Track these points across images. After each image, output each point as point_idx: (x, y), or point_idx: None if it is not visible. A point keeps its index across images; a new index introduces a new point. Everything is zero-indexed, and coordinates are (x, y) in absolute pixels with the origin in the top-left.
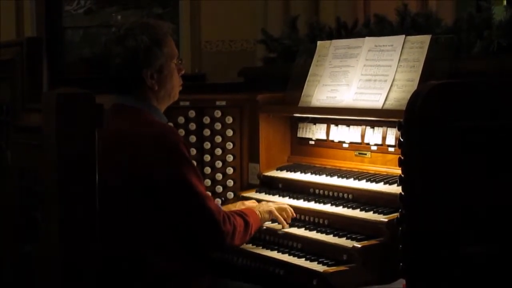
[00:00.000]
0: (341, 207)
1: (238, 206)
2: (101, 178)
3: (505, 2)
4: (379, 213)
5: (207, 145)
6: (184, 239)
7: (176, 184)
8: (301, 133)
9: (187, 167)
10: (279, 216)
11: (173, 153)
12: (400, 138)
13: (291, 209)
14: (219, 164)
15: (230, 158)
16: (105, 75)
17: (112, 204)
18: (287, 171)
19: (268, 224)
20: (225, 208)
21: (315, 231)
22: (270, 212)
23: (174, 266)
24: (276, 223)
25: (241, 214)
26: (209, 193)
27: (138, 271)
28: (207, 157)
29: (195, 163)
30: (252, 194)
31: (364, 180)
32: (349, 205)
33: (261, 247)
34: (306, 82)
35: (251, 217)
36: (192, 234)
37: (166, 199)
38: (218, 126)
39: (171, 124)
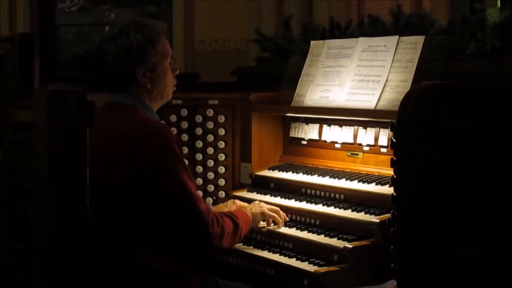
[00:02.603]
0: (332, 207)
1: (229, 205)
2: (93, 176)
3: (499, 4)
4: (370, 214)
5: (199, 144)
6: (173, 238)
7: (168, 183)
8: (294, 133)
9: (179, 166)
10: (273, 214)
11: (166, 152)
12: (393, 138)
13: (283, 213)
14: (211, 163)
15: (222, 157)
16: (98, 73)
17: (103, 201)
18: (279, 170)
19: (262, 224)
20: (216, 208)
21: (306, 231)
22: (263, 214)
23: (163, 265)
24: (265, 224)
25: (231, 216)
26: (201, 193)
27: (128, 269)
28: (199, 156)
29: (187, 161)
30: (244, 193)
31: (356, 181)
32: (340, 206)
33: (252, 247)
34: (299, 82)
35: (241, 219)
36: (180, 234)
37: (157, 197)
38: (210, 125)
39: (164, 122)
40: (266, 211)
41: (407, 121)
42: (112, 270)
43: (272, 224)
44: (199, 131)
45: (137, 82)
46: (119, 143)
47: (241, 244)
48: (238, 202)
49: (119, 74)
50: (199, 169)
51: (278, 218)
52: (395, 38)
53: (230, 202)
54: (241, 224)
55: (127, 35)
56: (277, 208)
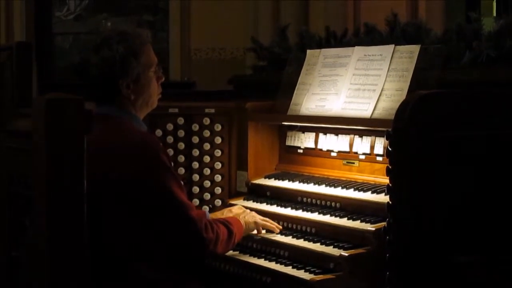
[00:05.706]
0: (328, 215)
1: (226, 213)
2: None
3: (494, 14)
4: (366, 222)
5: (196, 152)
6: (167, 247)
7: (157, 193)
8: (290, 142)
9: (168, 175)
10: (266, 223)
11: (153, 162)
12: (388, 147)
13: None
14: (207, 171)
15: (218, 165)
16: (83, 84)
17: (95, 213)
18: (275, 179)
19: (255, 232)
20: (213, 215)
21: (302, 239)
22: (255, 223)
23: (159, 275)
24: (264, 231)
25: (224, 222)
26: (197, 201)
27: (125, 281)
28: (196, 164)
29: (183, 170)
30: (240, 201)
31: (352, 189)
32: (336, 214)
33: (248, 255)
34: (295, 91)
35: (235, 226)
36: (174, 242)
37: (147, 208)
38: (206, 133)
39: (159, 131)
40: (259, 220)
41: (402, 130)
42: (109, 281)
43: (264, 231)
44: (195, 139)
45: (121, 94)
46: (107, 155)
47: (237, 252)
48: (234, 210)
49: (102, 86)
50: (196, 177)
51: (271, 225)
52: (390, 47)
53: (226, 210)
54: (235, 231)
55: (109, 47)
56: (267, 219)
